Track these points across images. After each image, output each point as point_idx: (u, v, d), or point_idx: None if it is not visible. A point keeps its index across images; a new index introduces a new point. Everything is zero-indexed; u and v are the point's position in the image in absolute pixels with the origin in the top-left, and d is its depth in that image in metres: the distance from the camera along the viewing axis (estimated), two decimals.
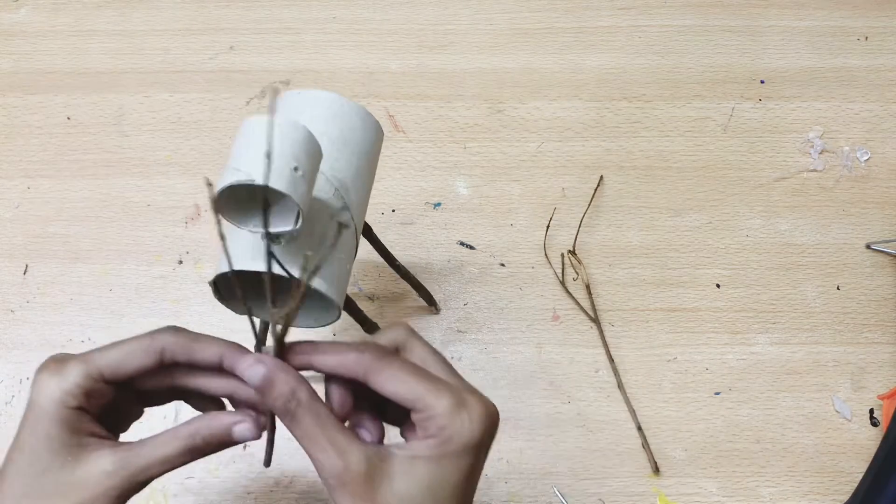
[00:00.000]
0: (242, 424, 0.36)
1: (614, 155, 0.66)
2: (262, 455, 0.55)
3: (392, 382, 0.34)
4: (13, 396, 0.58)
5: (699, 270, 0.62)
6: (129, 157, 0.66)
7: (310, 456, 0.34)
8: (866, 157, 0.66)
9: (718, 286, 0.61)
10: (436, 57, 0.70)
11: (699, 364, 0.59)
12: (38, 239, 0.63)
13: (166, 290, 0.61)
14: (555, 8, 0.72)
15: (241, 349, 0.37)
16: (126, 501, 0.36)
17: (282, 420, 0.35)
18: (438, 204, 0.64)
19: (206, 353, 0.36)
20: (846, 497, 0.55)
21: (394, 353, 0.36)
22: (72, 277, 0.62)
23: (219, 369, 0.37)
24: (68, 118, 0.68)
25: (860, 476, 0.55)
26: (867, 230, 0.63)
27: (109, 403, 0.37)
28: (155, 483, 0.54)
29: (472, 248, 0.62)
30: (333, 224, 0.41)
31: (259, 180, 0.34)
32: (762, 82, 0.69)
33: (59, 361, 0.36)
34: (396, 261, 0.54)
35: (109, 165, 0.66)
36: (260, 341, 0.53)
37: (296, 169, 0.35)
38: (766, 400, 0.58)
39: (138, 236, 0.63)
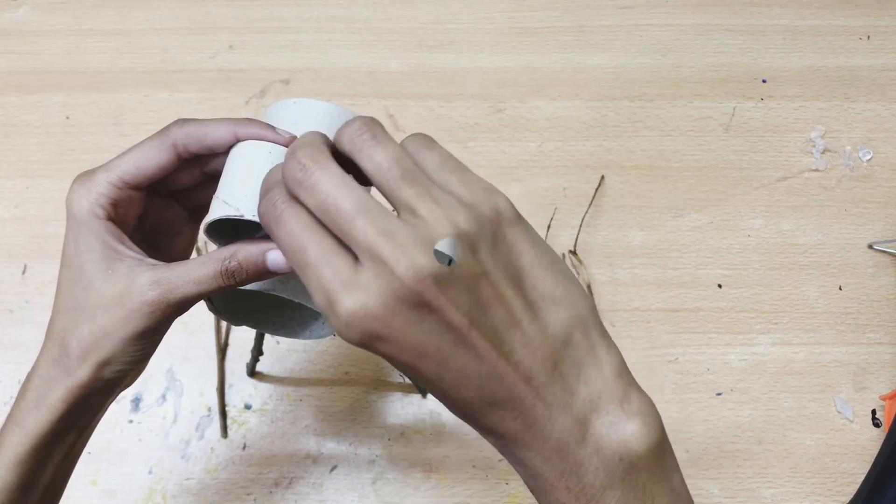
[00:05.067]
0: (276, 251, 0.35)
1: (615, 154, 0.66)
2: (261, 454, 0.55)
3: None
4: (12, 397, 0.58)
5: (700, 270, 0.62)
6: None
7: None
8: (868, 157, 0.65)
9: (720, 286, 0.61)
10: (436, 56, 0.70)
11: (700, 364, 0.59)
12: (37, 239, 0.63)
13: None
14: (556, 7, 0.72)
15: (251, 120, 0.37)
16: (162, 323, 0.36)
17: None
18: None
19: (218, 134, 0.36)
20: (848, 498, 0.54)
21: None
22: None
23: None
24: (67, 118, 0.68)
25: (862, 477, 0.54)
26: (869, 230, 0.63)
27: (151, 218, 0.39)
28: (154, 484, 0.54)
29: None
30: None
31: (247, 215, 0.34)
32: (764, 81, 0.68)
33: (87, 173, 0.37)
34: None
35: None
36: (258, 352, 0.53)
37: None
38: (767, 401, 0.57)
39: None
